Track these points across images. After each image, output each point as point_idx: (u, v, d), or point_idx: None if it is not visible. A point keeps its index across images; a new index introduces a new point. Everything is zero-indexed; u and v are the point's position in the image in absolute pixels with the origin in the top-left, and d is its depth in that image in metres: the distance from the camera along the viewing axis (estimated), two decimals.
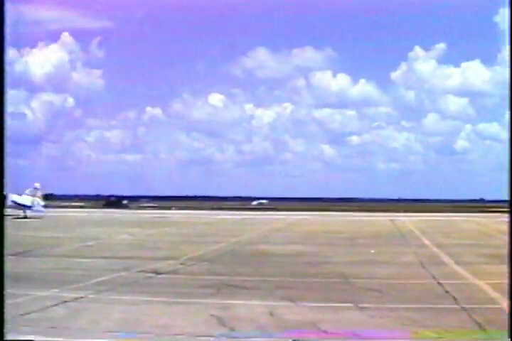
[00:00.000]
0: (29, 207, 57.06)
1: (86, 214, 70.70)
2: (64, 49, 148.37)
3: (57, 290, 14.60)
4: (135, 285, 16.01)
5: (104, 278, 17.10)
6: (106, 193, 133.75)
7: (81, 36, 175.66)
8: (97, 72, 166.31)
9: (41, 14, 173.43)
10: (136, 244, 29.66)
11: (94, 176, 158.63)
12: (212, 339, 9.97)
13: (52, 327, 10.42)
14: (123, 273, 18.22)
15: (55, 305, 12.67)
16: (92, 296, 13.95)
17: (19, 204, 56.87)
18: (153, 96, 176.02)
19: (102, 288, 15.11)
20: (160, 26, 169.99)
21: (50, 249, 26.06)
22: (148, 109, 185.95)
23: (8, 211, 57.55)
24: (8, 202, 55.80)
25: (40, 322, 10.81)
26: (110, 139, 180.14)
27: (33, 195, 57.93)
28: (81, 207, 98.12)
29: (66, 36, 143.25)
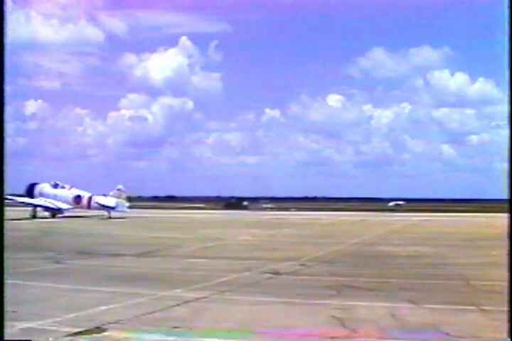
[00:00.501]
0: (113, 208, 59.78)
1: (207, 215, 71.94)
2: (183, 53, 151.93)
3: (179, 290, 14.89)
4: (256, 285, 16.11)
5: (225, 278, 17.30)
6: (226, 195, 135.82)
7: (199, 40, 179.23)
8: (216, 75, 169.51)
9: (160, 19, 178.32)
10: (256, 244, 29.89)
11: (214, 178, 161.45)
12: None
13: (174, 327, 10.63)
14: (244, 274, 18.38)
15: (178, 305, 12.92)
16: (214, 296, 14.13)
17: (103, 205, 60.42)
18: (272, 98, 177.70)
19: (224, 289, 15.28)
20: (277, 29, 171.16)
21: (172, 250, 26.65)
22: (267, 110, 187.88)
23: (90, 212, 61.92)
24: (92, 204, 60.52)
25: (163, 322, 11.05)
26: (229, 141, 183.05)
27: (117, 197, 60.68)
28: (201, 208, 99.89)
29: (185, 40, 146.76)
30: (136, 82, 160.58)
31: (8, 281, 16.47)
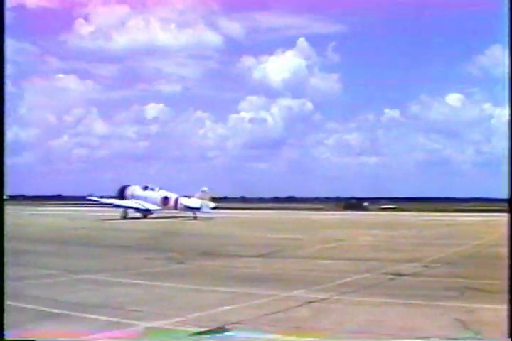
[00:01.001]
0: (198, 209, 61.41)
1: (327, 216, 71.75)
2: (301, 54, 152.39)
3: (301, 291, 14.86)
4: (378, 287, 15.88)
5: (347, 279, 17.15)
6: (346, 195, 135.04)
7: (317, 41, 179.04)
8: (334, 76, 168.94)
9: (277, 21, 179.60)
10: (377, 245, 29.52)
11: (334, 179, 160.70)
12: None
13: (296, 327, 10.59)
14: (366, 275, 18.17)
15: (300, 305, 12.88)
16: (336, 297, 14.01)
17: (188, 206, 62.40)
18: (391, 99, 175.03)
19: (346, 290, 15.14)
20: (394, 28, 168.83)
21: (293, 251, 26.69)
22: (387, 110, 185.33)
23: (176, 212, 63.25)
24: (179, 205, 62.70)
25: (285, 322, 11.02)
26: (349, 142, 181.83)
27: (202, 198, 62.21)
28: (321, 209, 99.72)
29: (302, 42, 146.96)
30: (255, 85, 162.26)
31: (131, 281, 17.00)
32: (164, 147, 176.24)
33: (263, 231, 41.54)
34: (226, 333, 10.14)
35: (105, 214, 63.12)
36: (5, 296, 8.62)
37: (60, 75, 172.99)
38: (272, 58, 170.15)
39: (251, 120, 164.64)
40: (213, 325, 10.61)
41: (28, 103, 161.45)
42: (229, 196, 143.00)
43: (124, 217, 60.66)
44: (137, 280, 16.71)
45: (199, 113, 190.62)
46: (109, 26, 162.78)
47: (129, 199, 64.68)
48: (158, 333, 10.12)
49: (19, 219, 56.72)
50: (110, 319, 11.25)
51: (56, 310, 12.09)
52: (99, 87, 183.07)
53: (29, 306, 12.50)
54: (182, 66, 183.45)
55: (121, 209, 62.44)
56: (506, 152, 7.47)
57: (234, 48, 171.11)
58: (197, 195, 62.96)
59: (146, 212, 63.37)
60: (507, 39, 7.34)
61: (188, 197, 63.86)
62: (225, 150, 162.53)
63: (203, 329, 10.28)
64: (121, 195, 65.82)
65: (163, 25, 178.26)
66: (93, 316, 11.52)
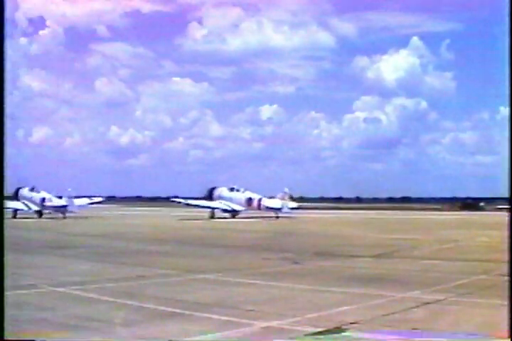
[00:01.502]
0: (279, 209, 63.71)
1: (442, 216, 70.34)
2: (414, 53, 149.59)
3: (417, 292, 14.65)
4: (494, 288, 15.42)
5: (463, 280, 16.79)
6: (461, 195, 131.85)
7: (430, 40, 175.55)
8: (448, 75, 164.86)
9: (390, 20, 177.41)
10: (494, 246, 28.61)
11: (449, 178, 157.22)
12: None
13: (413, 328, 10.44)
14: (482, 277, 17.72)
15: (417, 306, 12.69)
16: (453, 299, 13.73)
17: (269, 206, 65.04)
18: (506, 96, 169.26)
19: (463, 291, 14.82)
20: (508, 25, 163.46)
21: (408, 251, 26.32)
22: (501, 109, 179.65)
23: (260, 213, 64.59)
24: (262, 205, 65.94)
25: (402, 323, 10.89)
26: (464, 141, 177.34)
27: (283, 199, 64.16)
28: (437, 209, 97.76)
29: (416, 40, 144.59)
30: (369, 84, 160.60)
31: (247, 281, 17.17)
32: (279, 148, 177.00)
33: (378, 232, 41.13)
34: (343, 333, 10.11)
35: (193, 214, 65.45)
36: (5, 296, 8.78)
37: (176, 78, 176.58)
38: (385, 57, 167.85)
39: (365, 120, 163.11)
40: (330, 325, 10.60)
41: (144, 106, 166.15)
42: (344, 196, 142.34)
43: (212, 217, 62.89)
44: (253, 280, 16.89)
45: (313, 113, 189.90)
46: (222, 29, 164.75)
47: (216, 200, 67.31)
48: (274, 333, 10.20)
49: (133, 220, 58.59)
50: (227, 318, 11.42)
51: (173, 309, 12.37)
52: (214, 89, 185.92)
53: (147, 305, 12.84)
54: (295, 67, 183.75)
55: (208, 210, 65.00)
56: (506, 152, 7.21)
57: (347, 48, 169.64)
58: (279, 195, 65.01)
59: (233, 213, 65.71)
60: (507, 39, 7.12)
61: (271, 198, 66.16)
62: (339, 150, 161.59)
63: (319, 330, 10.29)
64: (210, 196, 68.45)
65: (276, 26, 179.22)
66: (209, 315, 11.72)
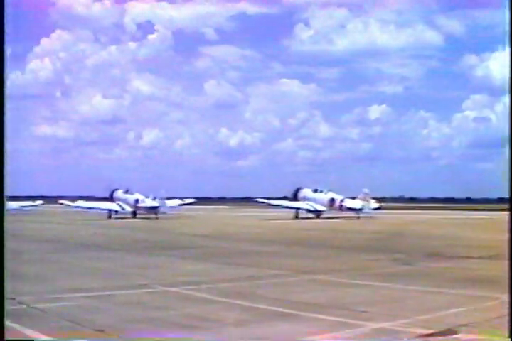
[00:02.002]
0: (360, 210, 64.75)
1: None
2: None
3: None
4: None
5: None
6: None
7: None
8: None
9: (497, 17, 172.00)
10: None
11: None
12: None
13: None
14: None
15: None
16: None
17: (350, 207, 66.27)
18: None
19: None
20: None
21: None
22: None
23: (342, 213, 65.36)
24: (343, 206, 67.20)
25: None
26: None
27: (363, 199, 65.64)
28: None
29: None
30: (478, 83, 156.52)
31: (359, 282, 17.08)
32: (387, 148, 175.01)
33: (488, 233, 39.97)
34: (454, 336, 9.95)
35: (277, 214, 67.17)
36: (5, 296, 8.91)
37: (284, 80, 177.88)
38: (495, 55, 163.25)
39: (475, 119, 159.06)
40: (441, 327, 10.45)
41: (252, 108, 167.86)
42: (455, 197, 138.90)
43: (296, 217, 64.85)
44: (364, 281, 16.81)
45: (422, 113, 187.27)
46: (329, 29, 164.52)
47: (301, 200, 69.32)
48: (386, 334, 10.14)
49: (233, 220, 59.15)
50: (338, 319, 11.43)
51: (284, 310, 12.47)
52: (321, 90, 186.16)
53: (259, 305, 13.00)
54: (403, 66, 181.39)
55: (293, 210, 67.09)
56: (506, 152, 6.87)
57: (455, 46, 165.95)
58: (359, 196, 66.35)
59: (316, 213, 67.38)
60: (507, 38, 6.85)
61: (353, 198, 67.48)
62: (449, 150, 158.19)
63: (430, 331, 10.16)
64: (295, 196, 70.71)
65: (382, 26, 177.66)
66: (321, 316, 11.75)
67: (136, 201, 68.17)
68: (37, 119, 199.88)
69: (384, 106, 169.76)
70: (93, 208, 68.39)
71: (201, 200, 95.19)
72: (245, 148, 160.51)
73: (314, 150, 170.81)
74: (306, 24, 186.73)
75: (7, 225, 8.94)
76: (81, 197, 78.90)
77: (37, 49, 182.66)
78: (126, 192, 70.10)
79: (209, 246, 29.29)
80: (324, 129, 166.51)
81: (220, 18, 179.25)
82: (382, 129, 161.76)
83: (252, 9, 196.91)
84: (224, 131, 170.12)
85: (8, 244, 9.03)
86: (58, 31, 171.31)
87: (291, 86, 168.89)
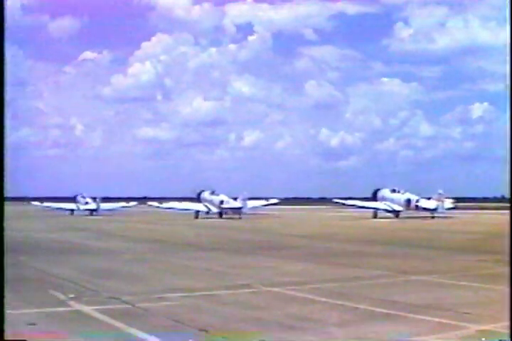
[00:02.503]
0: (434, 210, 66.26)
1: None
2: None
3: None
4: None
5: None
6: None
7: None
8: None
9: None
10: None
11: None
12: None
13: None
14: None
15: None
16: None
17: (424, 207, 67.81)
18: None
19: None
20: None
21: None
22: None
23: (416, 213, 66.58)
24: (418, 206, 68.61)
25: None
26: None
27: (438, 200, 66.90)
28: None
29: None
30: None
31: (462, 283, 16.77)
32: (490, 147, 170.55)
33: None
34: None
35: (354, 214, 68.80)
36: (5, 297, 8.92)
37: (384, 79, 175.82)
38: None
39: None
40: None
41: (353, 108, 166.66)
42: None
43: (375, 217, 66.61)
44: (468, 282, 16.52)
45: None
46: (429, 28, 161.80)
47: (380, 200, 71.38)
48: (489, 336, 9.97)
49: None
50: (441, 320, 11.30)
51: (388, 311, 12.42)
52: (423, 88, 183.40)
53: (362, 306, 12.99)
54: (505, 63, 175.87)
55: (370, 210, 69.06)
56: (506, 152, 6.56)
57: None
58: (434, 197, 67.69)
59: (395, 213, 68.86)
60: (507, 38, 6.59)
61: (428, 199, 68.83)
62: None
63: None
64: (374, 196, 72.71)
65: (482, 23, 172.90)
66: (424, 317, 11.64)
67: (221, 202, 70.48)
68: (139, 122, 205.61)
69: (486, 104, 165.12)
70: (182, 209, 72.04)
71: (294, 200, 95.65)
72: (346, 149, 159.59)
73: (416, 150, 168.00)
74: (406, 23, 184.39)
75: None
76: (173, 199, 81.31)
77: (138, 53, 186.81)
78: (212, 193, 72.52)
79: (311, 247, 29.35)
80: (425, 128, 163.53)
81: (319, 18, 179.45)
82: (485, 128, 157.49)
83: (351, 8, 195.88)
84: (324, 131, 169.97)
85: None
86: (159, 35, 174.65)
87: (392, 85, 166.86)
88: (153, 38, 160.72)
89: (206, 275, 18.62)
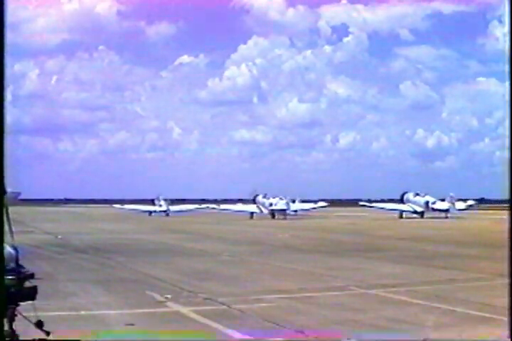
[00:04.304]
0: (446, 210, 74.48)
1: None
2: None
3: None
4: None
5: None
6: None
7: None
8: None
9: None
10: None
11: None
12: None
13: None
14: None
15: None
16: None
17: (438, 208, 75.78)
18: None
19: None
20: None
21: None
22: None
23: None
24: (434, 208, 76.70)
25: None
26: None
27: (450, 202, 75.26)
28: None
29: None
30: None
31: None
32: None
33: None
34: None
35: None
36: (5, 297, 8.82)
37: (481, 78, 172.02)
38: None
39: None
40: None
41: (449, 108, 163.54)
42: None
43: (401, 217, 75.15)
44: None
45: None
46: None
47: (406, 203, 79.74)
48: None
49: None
50: None
51: (485, 314, 12.22)
52: None
53: (459, 309, 12.81)
54: None
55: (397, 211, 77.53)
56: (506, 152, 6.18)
57: None
58: (447, 199, 75.68)
59: (420, 213, 76.52)
60: (507, 37, 6.16)
61: (442, 200, 76.67)
62: None
63: None
64: (401, 199, 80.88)
65: None
66: None
67: (270, 204, 77.18)
68: (235, 124, 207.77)
69: None
70: (238, 211, 79.46)
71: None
72: (443, 149, 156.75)
73: None
74: (500, 21, 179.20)
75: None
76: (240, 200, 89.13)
77: (234, 56, 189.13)
78: (265, 196, 79.25)
79: (408, 249, 29.00)
80: None
81: (414, 18, 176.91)
82: None
83: (446, 8, 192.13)
84: (420, 131, 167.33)
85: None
86: (254, 37, 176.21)
87: (488, 84, 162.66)
88: (249, 41, 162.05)
89: (302, 277, 18.65)
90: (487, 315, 12.13)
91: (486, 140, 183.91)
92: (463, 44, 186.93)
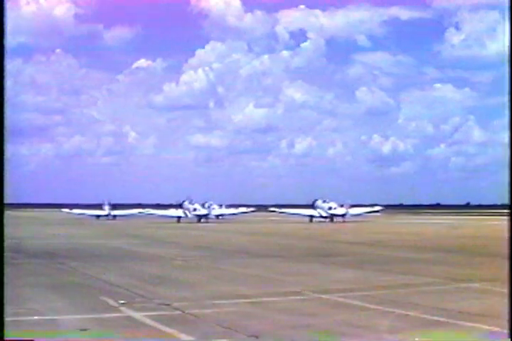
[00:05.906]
0: (343, 215, 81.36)
1: None
2: None
3: None
4: None
5: None
6: None
7: None
8: None
9: None
10: None
11: None
12: None
13: None
14: None
15: None
16: None
17: (336, 214, 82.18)
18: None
19: None
20: None
21: None
22: None
23: None
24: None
25: None
26: None
27: (347, 207, 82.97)
28: None
29: None
30: None
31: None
32: None
33: None
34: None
35: None
36: (5, 297, 8.82)
37: (437, 85, 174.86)
38: None
39: None
40: None
41: (405, 114, 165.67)
42: None
43: (311, 221, 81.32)
44: None
45: None
46: (480, 33, 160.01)
47: (315, 209, 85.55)
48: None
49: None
50: (495, 329, 11.13)
51: (440, 318, 12.27)
52: (475, 94, 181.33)
53: (413, 313, 12.88)
54: None
55: None
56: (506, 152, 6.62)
57: None
58: (344, 205, 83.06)
59: (324, 218, 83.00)
60: (507, 37, 6.64)
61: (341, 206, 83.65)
62: None
63: None
64: (313, 205, 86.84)
65: None
66: (474, 324, 11.52)
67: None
68: (192, 129, 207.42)
69: None
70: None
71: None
72: (398, 155, 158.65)
73: (467, 156, 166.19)
74: (457, 28, 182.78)
75: None
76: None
77: (191, 60, 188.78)
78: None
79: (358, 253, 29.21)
80: (478, 134, 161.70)
81: (372, 24, 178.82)
82: None
83: (403, 14, 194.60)
84: (376, 137, 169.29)
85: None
86: (212, 42, 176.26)
87: (445, 91, 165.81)
88: (207, 46, 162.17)
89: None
90: (441, 319, 12.19)
91: (442, 146, 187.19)
92: (420, 50, 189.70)
